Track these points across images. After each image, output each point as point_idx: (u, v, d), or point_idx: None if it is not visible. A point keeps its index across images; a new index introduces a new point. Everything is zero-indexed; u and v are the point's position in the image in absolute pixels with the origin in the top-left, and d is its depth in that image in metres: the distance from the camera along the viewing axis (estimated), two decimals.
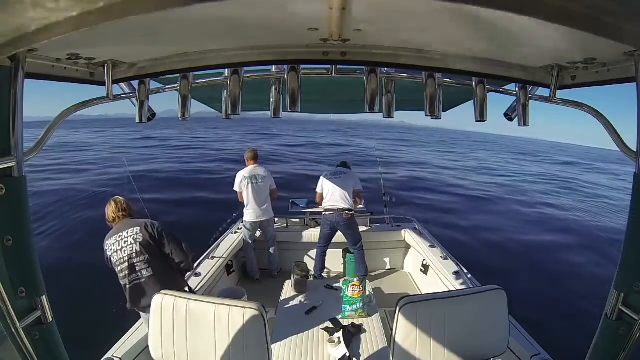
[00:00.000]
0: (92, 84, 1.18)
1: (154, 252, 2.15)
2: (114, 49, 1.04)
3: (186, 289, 2.40)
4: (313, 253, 4.13)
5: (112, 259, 2.15)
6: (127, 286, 2.13)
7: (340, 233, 3.77)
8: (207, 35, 0.97)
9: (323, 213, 3.73)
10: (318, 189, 3.85)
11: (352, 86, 1.68)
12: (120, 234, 2.15)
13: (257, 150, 4.04)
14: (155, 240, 2.17)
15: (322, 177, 3.84)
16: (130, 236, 2.14)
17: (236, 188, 3.84)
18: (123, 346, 2.03)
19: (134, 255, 2.11)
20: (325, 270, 4.06)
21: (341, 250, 4.01)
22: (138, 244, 2.12)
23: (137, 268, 2.11)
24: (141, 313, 2.19)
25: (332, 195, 3.68)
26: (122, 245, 2.13)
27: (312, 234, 4.09)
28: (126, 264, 2.11)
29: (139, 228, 2.17)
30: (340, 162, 4.11)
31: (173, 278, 2.24)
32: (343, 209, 3.62)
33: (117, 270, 2.15)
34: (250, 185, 3.77)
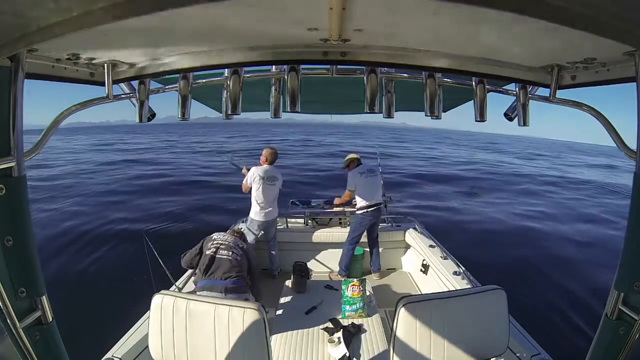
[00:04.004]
0: (92, 84, 1.18)
1: (242, 257, 2.63)
2: (114, 49, 1.04)
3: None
4: (313, 253, 4.13)
5: (214, 239, 2.69)
6: (211, 254, 2.57)
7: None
8: (207, 35, 0.97)
9: (362, 212, 3.79)
10: (350, 187, 3.83)
11: (352, 86, 1.68)
12: (227, 237, 2.72)
13: (277, 152, 3.97)
14: (245, 255, 2.66)
15: (354, 175, 3.81)
16: (232, 241, 2.69)
17: (246, 181, 3.81)
18: (123, 346, 2.03)
19: (229, 246, 2.64)
20: (327, 269, 4.07)
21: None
22: (235, 246, 2.66)
23: (229, 251, 2.60)
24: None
25: (371, 192, 3.82)
26: (225, 241, 2.67)
27: (312, 234, 4.10)
28: (223, 243, 2.64)
29: (241, 244, 2.72)
30: (352, 159, 3.99)
31: (245, 279, 2.60)
32: (379, 204, 3.87)
33: (208, 246, 2.63)
34: (264, 185, 3.75)
